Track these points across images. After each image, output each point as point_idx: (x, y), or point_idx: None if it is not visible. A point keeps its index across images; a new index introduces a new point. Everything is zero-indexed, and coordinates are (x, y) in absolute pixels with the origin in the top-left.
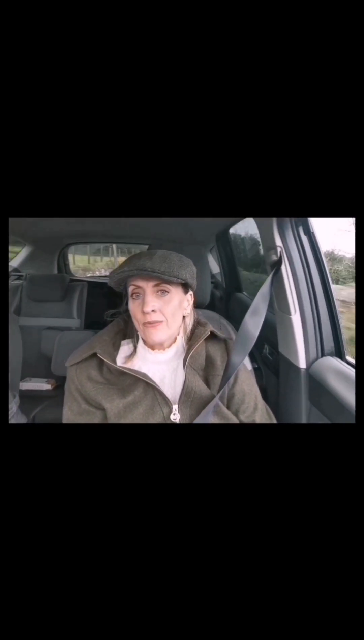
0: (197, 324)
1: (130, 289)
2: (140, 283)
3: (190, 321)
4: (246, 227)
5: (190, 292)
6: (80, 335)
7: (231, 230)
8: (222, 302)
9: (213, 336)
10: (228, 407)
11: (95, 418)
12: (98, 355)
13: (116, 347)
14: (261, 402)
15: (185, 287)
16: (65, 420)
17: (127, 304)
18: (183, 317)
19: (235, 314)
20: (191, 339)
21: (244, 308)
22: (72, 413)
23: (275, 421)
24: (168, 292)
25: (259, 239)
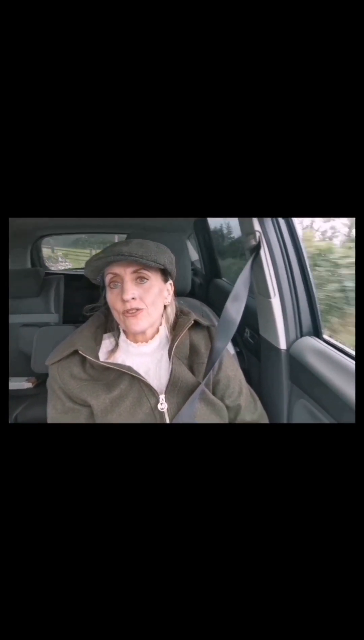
0: (180, 312)
1: (108, 278)
2: (118, 270)
3: (172, 310)
4: None
5: (170, 282)
6: (60, 330)
7: (210, 218)
8: (202, 289)
9: (196, 324)
10: (213, 393)
11: (81, 416)
12: (80, 352)
13: (98, 342)
14: (245, 386)
15: (165, 275)
16: (50, 420)
17: (105, 296)
18: (165, 306)
19: (215, 300)
20: (174, 328)
21: (224, 294)
22: (56, 412)
23: (259, 403)
24: (147, 279)
25: (237, 225)
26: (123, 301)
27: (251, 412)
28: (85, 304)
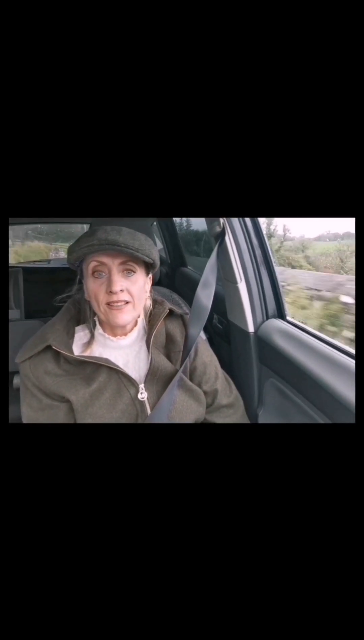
0: (154, 302)
1: (91, 265)
2: (105, 259)
3: (149, 302)
4: None
5: (151, 275)
6: (26, 326)
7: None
8: (168, 277)
9: (170, 313)
10: (191, 379)
11: (60, 412)
12: (54, 347)
13: (71, 335)
14: (220, 371)
15: (148, 268)
16: (25, 419)
17: (80, 282)
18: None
19: (182, 288)
20: (150, 319)
21: (190, 282)
22: (32, 410)
23: (233, 386)
24: (134, 271)
25: None
26: (110, 293)
27: (227, 395)
28: (47, 298)
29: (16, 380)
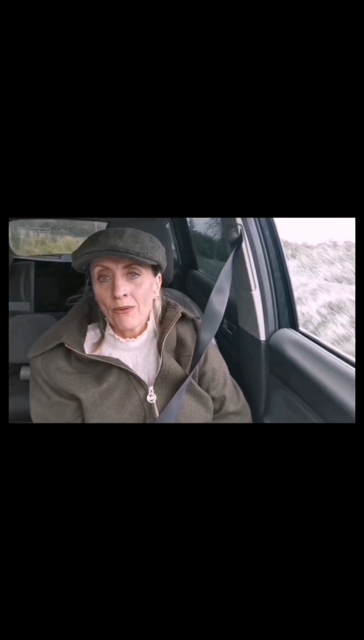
0: (167, 305)
1: (96, 270)
2: (109, 264)
3: (159, 304)
4: None
5: (159, 274)
6: (35, 319)
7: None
8: (178, 279)
9: (182, 317)
10: (199, 384)
11: (68, 409)
12: (67, 345)
13: (83, 334)
14: (229, 378)
15: (155, 269)
16: (34, 414)
17: (89, 284)
18: (153, 300)
19: (192, 291)
20: (162, 321)
21: (201, 285)
22: (41, 406)
23: (241, 394)
24: (139, 274)
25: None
26: (114, 298)
27: (235, 402)
28: (57, 292)
29: (23, 372)
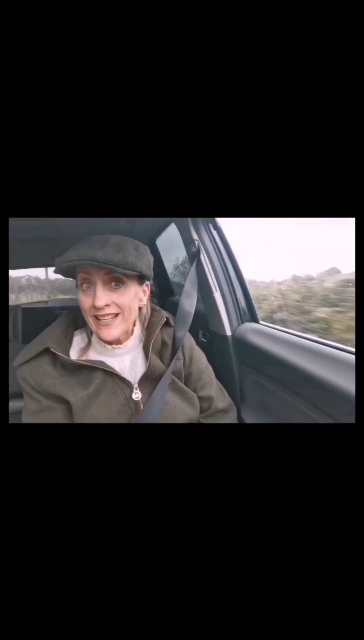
0: (152, 310)
1: (79, 277)
2: (91, 273)
3: (147, 312)
4: (170, 235)
5: (147, 283)
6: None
7: (158, 242)
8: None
9: (165, 322)
10: (186, 385)
11: (58, 413)
12: (52, 349)
13: (69, 340)
14: (215, 379)
15: (141, 278)
16: (25, 421)
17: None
18: (140, 308)
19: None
20: (148, 326)
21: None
22: (29, 413)
23: (226, 393)
24: (122, 283)
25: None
26: (95, 307)
27: (222, 400)
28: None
29: (12, 404)
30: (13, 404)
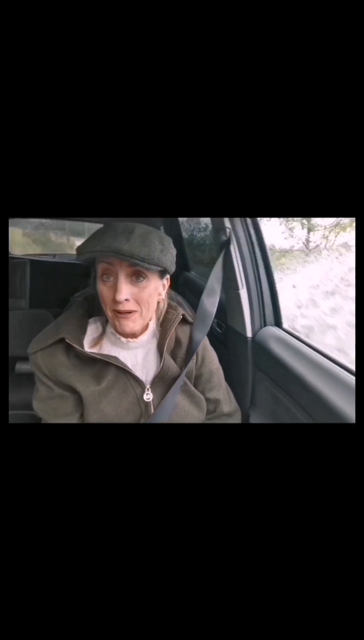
0: (169, 306)
1: (100, 267)
2: (113, 264)
3: (164, 306)
4: None
5: (167, 276)
6: (31, 314)
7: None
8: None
9: (182, 319)
10: (195, 386)
11: (70, 402)
12: (67, 340)
13: (83, 330)
14: (224, 381)
15: (162, 271)
16: (35, 407)
17: (95, 278)
18: (158, 302)
19: (184, 293)
20: (163, 323)
21: (193, 286)
22: (42, 399)
23: (233, 397)
24: (144, 277)
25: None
26: (116, 301)
27: (228, 404)
28: (51, 290)
29: (18, 366)
30: (20, 366)
